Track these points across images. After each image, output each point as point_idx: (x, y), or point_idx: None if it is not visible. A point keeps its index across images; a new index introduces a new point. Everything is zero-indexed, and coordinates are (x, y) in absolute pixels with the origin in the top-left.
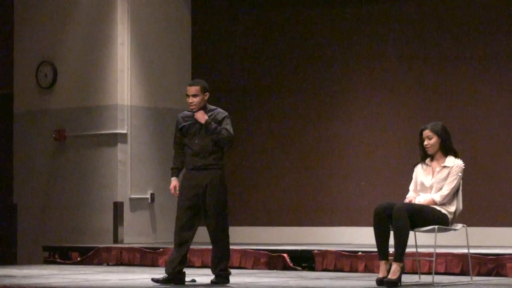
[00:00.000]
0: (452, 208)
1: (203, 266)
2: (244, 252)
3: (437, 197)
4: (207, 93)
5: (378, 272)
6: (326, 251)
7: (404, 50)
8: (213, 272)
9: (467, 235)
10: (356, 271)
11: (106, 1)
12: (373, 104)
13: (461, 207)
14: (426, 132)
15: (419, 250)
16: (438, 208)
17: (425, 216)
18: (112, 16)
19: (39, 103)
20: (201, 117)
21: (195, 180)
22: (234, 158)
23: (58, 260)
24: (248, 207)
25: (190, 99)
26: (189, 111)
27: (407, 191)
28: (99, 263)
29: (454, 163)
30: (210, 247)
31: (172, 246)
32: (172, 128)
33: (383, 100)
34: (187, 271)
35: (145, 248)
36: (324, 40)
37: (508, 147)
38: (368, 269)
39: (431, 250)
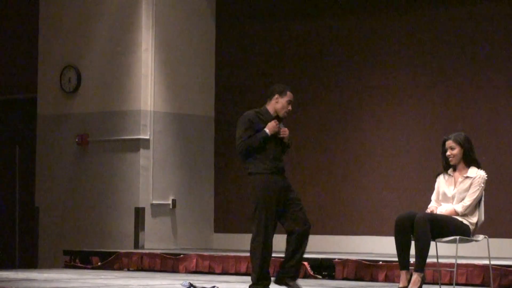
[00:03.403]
0: (474, 219)
1: (223, 273)
2: None
3: (459, 207)
4: None
5: (398, 282)
6: (347, 259)
7: (429, 60)
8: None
9: (488, 246)
10: (376, 280)
11: (131, 6)
12: (397, 114)
13: (483, 218)
14: (449, 143)
15: (440, 260)
16: (459, 218)
17: (447, 227)
18: (136, 22)
19: (62, 107)
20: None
21: (280, 183)
22: None
23: (79, 264)
24: None
25: (290, 107)
26: (262, 113)
27: (429, 201)
28: (120, 268)
29: (477, 174)
30: (231, 254)
31: (193, 252)
32: (194, 133)
33: (407, 110)
34: (208, 278)
35: (166, 254)
36: (346, 50)
37: None
38: (388, 279)
39: (452, 260)
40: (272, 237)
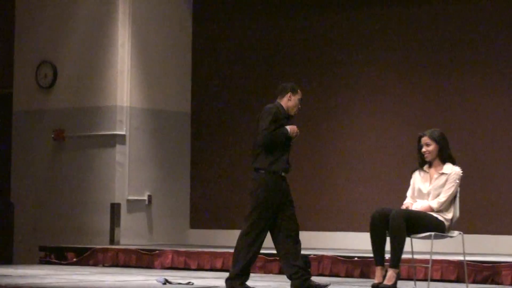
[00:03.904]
0: (449, 215)
1: (199, 268)
2: None
3: (434, 203)
4: None
5: (373, 278)
6: (322, 256)
7: (404, 57)
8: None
9: (463, 242)
10: (352, 276)
11: (108, 2)
12: (372, 110)
13: (458, 214)
14: (425, 139)
15: (415, 256)
16: (435, 215)
17: (422, 223)
18: (112, 17)
19: (38, 103)
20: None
21: (285, 184)
22: (232, 160)
23: (54, 260)
24: (244, 210)
25: (300, 105)
26: (281, 109)
27: (405, 197)
28: (95, 264)
29: (452, 170)
30: (207, 250)
31: (168, 248)
32: (170, 129)
33: (383, 106)
34: (183, 274)
35: (141, 250)
36: (324, 46)
37: (506, 155)
38: (364, 275)
39: (427, 256)
40: (265, 237)
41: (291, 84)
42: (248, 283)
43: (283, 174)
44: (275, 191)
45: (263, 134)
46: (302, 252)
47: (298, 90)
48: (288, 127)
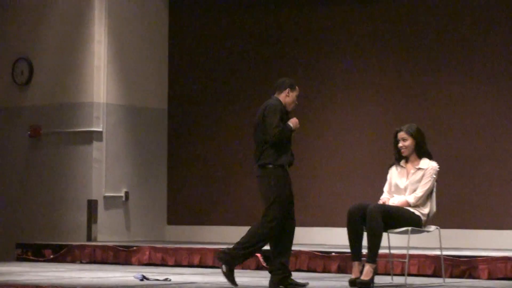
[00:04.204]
0: (425, 210)
1: (176, 265)
2: (217, 252)
3: (411, 198)
4: None
5: (351, 273)
6: (300, 251)
7: (380, 51)
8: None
9: (440, 237)
10: (329, 271)
11: None
12: (349, 105)
13: (434, 209)
14: (401, 134)
15: (392, 251)
16: (411, 209)
17: (399, 218)
18: (89, 14)
19: (14, 99)
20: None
21: (289, 178)
22: (209, 157)
23: (31, 257)
24: (223, 206)
25: (296, 101)
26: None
27: (381, 192)
28: (72, 261)
29: (429, 165)
30: (184, 246)
31: (146, 244)
32: (147, 126)
33: (359, 101)
34: (161, 270)
35: (119, 246)
36: (303, 41)
37: (482, 150)
38: (341, 270)
39: (404, 251)
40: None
41: (290, 80)
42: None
43: (287, 167)
44: (286, 183)
45: (274, 132)
46: None
47: (296, 87)
48: (291, 122)
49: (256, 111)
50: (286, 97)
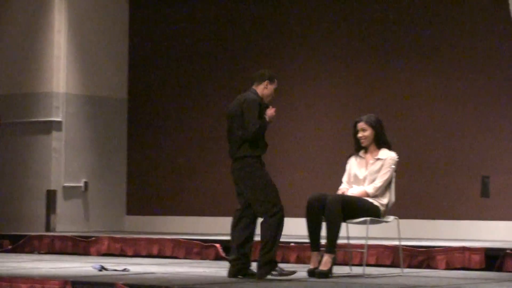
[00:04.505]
0: (384, 200)
1: (135, 255)
2: (176, 242)
3: (370, 189)
4: None
5: (309, 263)
6: (257, 241)
7: (340, 43)
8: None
9: (398, 227)
10: (288, 261)
11: None
12: (308, 95)
13: (393, 199)
14: (361, 124)
15: (351, 241)
16: (370, 200)
17: (358, 208)
18: (49, 3)
19: None
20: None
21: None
22: (168, 147)
23: None
24: (181, 196)
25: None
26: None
27: (340, 183)
28: (31, 251)
29: (388, 156)
30: (143, 236)
31: (105, 234)
32: (107, 115)
33: (318, 91)
34: (119, 260)
35: (77, 236)
36: (261, 32)
37: (441, 140)
38: (300, 260)
39: (362, 241)
40: None
41: (270, 72)
42: (184, 269)
43: (262, 156)
44: (265, 170)
45: (252, 130)
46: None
47: (275, 80)
48: (267, 115)
49: (226, 102)
50: (264, 89)
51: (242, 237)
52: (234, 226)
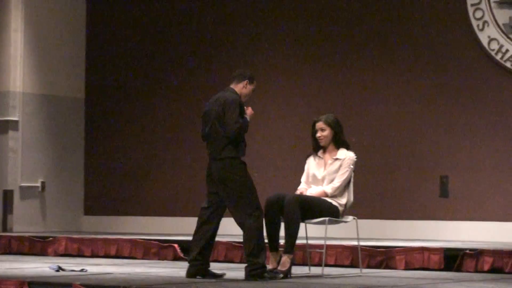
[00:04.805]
0: (343, 200)
1: (93, 255)
2: (134, 242)
3: (328, 189)
4: None
5: (268, 264)
6: (217, 241)
7: (301, 40)
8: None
9: (357, 228)
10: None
11: None
12: (267, 94)
13: (352, 199)
14: (319, 124)
15: (310, 242)
16: (329, 200)
17: (316, 208)
18: (5, 2)
19: None
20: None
21: None
22: (126, 147)
23: None
24: (140, 196)
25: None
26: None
27: (299, 182)
28: None
29: (346, 156)
30: (100, 236)
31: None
32: (64, 115)
33: (276, 90)
34: (77, 261)
35: (35, 237)
36: (219, 26)
37: (399, 140)
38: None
39: (321, 242)
40: None
41: (249, 72)
42: (142, 269)
43: (243, 156)
44: (247, 173)
45: (235, 128)
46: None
47: (255, 81)
48: (247, 115)
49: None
50: (243, 88)
51: (207, 237)
52: (201, 225)
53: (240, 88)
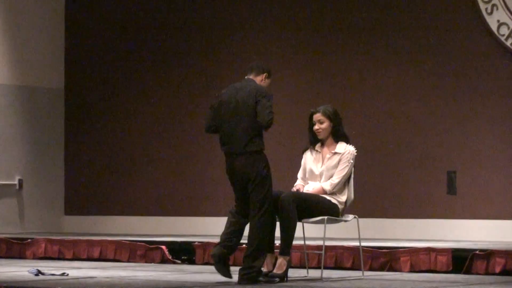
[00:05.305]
0: (343, 198)
1: (74, 258)
2: (119, 244)
3: (327, 185)
4: None
5: (263, 267)
6: (208, 243)
7: (295, 31)
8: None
9: (358, 227)
10: (239, 264)
11: None
12: None
13: (352, 196)
14: (317, 116)
15: (308, 242)
16: (328, 197)
17: (314, 206)
18: None
19: None
20: None
21: None
22: (109, 145)
23: None
24: (124, 195)
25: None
26: None
27: (295, 179)
28: None
29: (346, 150)
30: (83, 238)
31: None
32: (42, 107)
33: (272, 81)
34: (57, 264)
35: (12, 238)
36: (206, 19)
37: (403, 134)
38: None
39: (320, 242)
40: None
41: (268, 66)
42: (128, 273)
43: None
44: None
45: (271, 117)
46: (185, 239)
47: (271, 76)
48: None
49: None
50: (262, 81)
51: (235, 228)
52: (230, 224)
53: (259, 81)
